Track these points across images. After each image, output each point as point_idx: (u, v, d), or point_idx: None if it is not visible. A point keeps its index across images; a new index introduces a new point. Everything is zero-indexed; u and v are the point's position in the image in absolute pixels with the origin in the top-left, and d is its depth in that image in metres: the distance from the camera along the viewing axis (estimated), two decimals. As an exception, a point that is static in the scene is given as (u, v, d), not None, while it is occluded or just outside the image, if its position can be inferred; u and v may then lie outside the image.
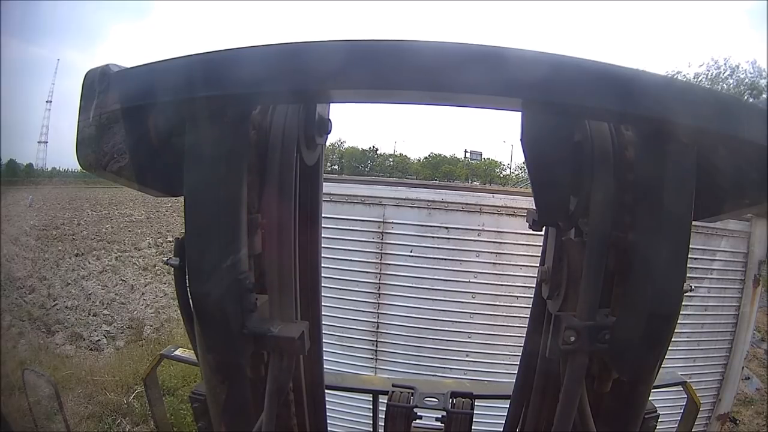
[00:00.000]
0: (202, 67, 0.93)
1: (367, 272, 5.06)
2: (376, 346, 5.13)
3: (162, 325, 10.38)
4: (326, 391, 1.82)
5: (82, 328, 10.09)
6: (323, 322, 1.70)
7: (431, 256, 4.94)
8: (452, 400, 2.01)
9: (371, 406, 2.51)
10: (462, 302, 4.96)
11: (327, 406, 1.82)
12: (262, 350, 1.19)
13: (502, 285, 4.91)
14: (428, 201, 4.95)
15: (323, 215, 1.62)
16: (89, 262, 15.64)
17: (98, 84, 1.01)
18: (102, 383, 7.12)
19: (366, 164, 54.83)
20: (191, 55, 0.95)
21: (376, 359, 5.14)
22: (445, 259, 4.95)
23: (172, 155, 1.04)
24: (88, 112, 1.02)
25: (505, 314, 4.89)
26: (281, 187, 1.25)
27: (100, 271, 14.72)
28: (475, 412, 1.99)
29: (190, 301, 1.12)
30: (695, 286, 1.46)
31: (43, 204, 30.46)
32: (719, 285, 5.12)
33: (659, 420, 1.50)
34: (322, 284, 1.65)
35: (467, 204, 4.92)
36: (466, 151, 51.31)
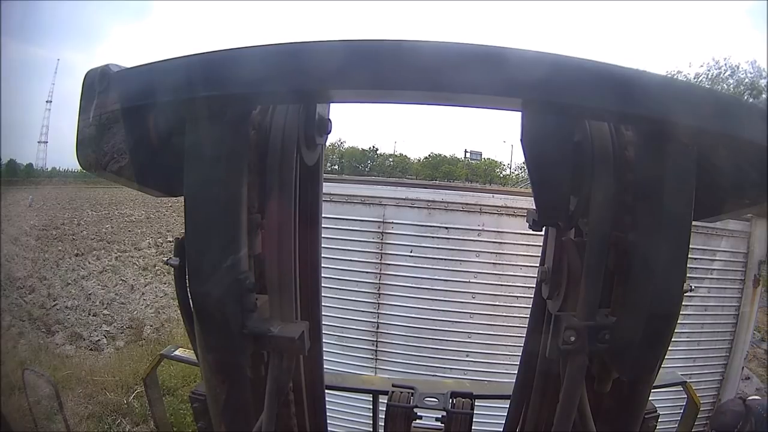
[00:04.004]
0: (202, 67, 0.93)
1: (367, 272, 5.07)
2: (376, 346, 5.13)
3: (162, 325, 10.37)
4: (326, 391, 1.82)
5: (82, 328, 10.09)
6: (323, 322, 1.70)
7: (431, 256, 4.94)
8: (452, 400, 2.01)
9: (371, 406, 2.51)
10: (462, 302, 4.96)
11: (327, 406, 1.82)
12: (262, 350, 1.19)
13: (502, 285, 4.91)
14: (428, 201, 4.95)
15: (323, 215, 1.62)
16: (89, 262, 15.63)
17: (98, 84, 1.01)
18: (102, 383, 7.11)
19: (366, 164, 54.86)
20: (191, 55, 0.95)
21: (376, 359, 5.14)
22: (445, 259, 4.95)
23: (172, 155, 1.04)
24: (88, 112, 1.02)
25: (505, 314, 4.89)
26: (281, 187, 1.25)
27: (100, 271, 14.72)
28: (475, 412, 1.99)
29: (190, 301, 1.12)
30: (695, 286, 1.45)
31: (43, 204, 30.45)
32: (719, 285, 5.13)
33: (659, 420, 1.50)
34: (322, 284, 1.65)
35: (467, 204, 4.92)
36: (466, 151, 51.36)
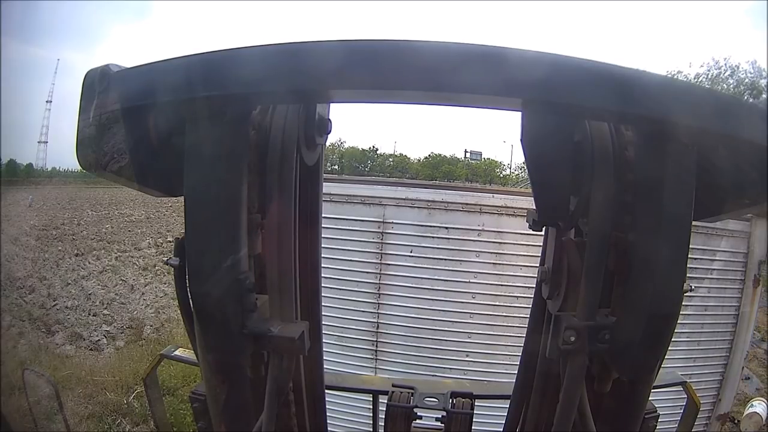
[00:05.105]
0: (202, 67, 0.93)
1: (367, 272, 5.07)
2: (376, 346, 5.13)
3: (162, 325, 10.38)
4: (326, 391, 1.82)
5: (82, 328, 10.09)
6: (323, 322, 1.70)
7: (431, 256, 4.94)
8: (452, 400, 2.01)
9: (371, 406, 2.51)
10: (462, 302, 4.96)
11: (327, 406, 1.82)
12: (262, 350, 1.19)
13: (502, 285, 4.91)
14: (428, 201, 4.95)
15: (323, 215, 1.62)
16: (89, 262, 15.63)
17: (98, 84, 1.01)
18: (102, 383, 7.11)
19: (366, 164, 54.84)
20: (191, 55, 0.95)
21: (376, 359, 5.14)
22: (445, 259, 4.95)
23: (172, 155, 1.04)
24: (88, 112, 1.02)
25: (505, 314, 4.89)
26: (281, 187, 1.25)
27: (100, 271, 14.72)
28: (475, 412, 1.99)
29: (190, 301, 1.12)
30: (695, 286, 1.45)
31: (43, 204, 30.42)
32: (719, 285, 5.12)
33: (659, 420, 1.50)
34: (322, 284, 1.65)
35: (467, 204, 4.92)
36: (466, 151, 51.43)
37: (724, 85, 24.54)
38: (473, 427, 1.95)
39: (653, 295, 1.00)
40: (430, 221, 4.94)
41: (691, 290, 1.16)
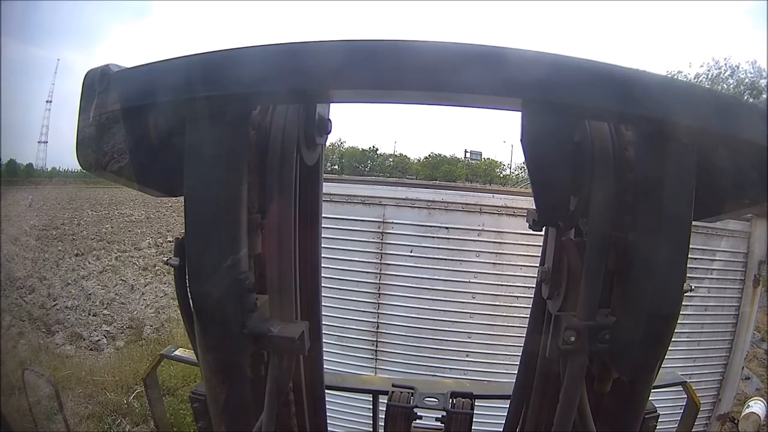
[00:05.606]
0: (202, 67, 0.94)
1: (367, 272, 5.07)
2: (376, 346, 5.13)
3: (162, 325, 10.38)
4: (326, 391, 1.82)
5: (82, 328, 10.09)
6: (323, 322, 1.70)
7: (431, 256, 4.94)
8: (452, 400, 2.01)
9: (371, 406, 2.51)
10: (462, 302, 4.96)
11: (327, 406, 1.82)
12: (262, 350, 1.19)
13: (502, 285, 4.91)
14: (428, 201, 4.95)
15: (323, 215, 1.62)
16: (89, 262, 15.63)
17: (98, 84, 1.01)
18: (102, 383, 7.12)
19: (366, 164, 54.85)
20: (191, 55, 0.95)
21: (376, 359, 5.14)
22: (445, 259, 4.95)
23: (172, 155, 1.04)
24: (88, 112, 1.02)
25: (505, 314, 4.89)
26: (281, 187, 1.25)
27: (100, 271, 14.72)
28: (475, 412, 1.99)
29: (190, 301, 1.12)
30: (695, 286, 1.45)
31: (43, 204, 30.42)
32: (719, 285, 5.13)
33: (659, 420, 1.50)
34: (322, 284, 1.65)
35: (467, 204, 4.92)
36: (466, 151, 51.49)
37: (724, 85, 24.57)
38: (473, 427, 1.95)
39: (653, 295, 1.00)
40: (430, 221, 4.94)
41: (691, 290, 1.16)
